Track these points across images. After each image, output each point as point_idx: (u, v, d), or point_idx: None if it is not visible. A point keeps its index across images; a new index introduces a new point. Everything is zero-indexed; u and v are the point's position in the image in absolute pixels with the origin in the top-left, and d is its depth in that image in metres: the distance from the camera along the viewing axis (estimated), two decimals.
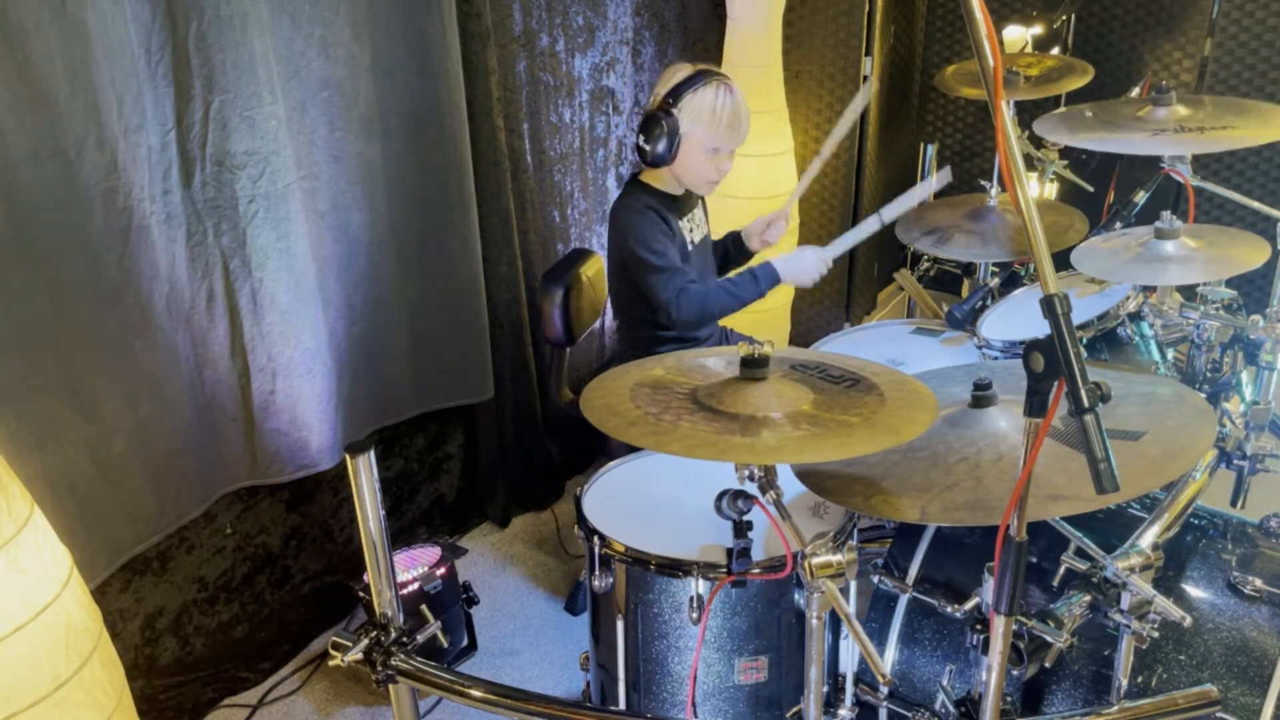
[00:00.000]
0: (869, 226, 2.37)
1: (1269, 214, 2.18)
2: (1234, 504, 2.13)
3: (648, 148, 2.22)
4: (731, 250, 2.57)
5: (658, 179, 2.33)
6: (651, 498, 1.85)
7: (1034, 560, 1.71)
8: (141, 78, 1.89)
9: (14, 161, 1.73)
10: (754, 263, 2.39)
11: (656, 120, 2.20)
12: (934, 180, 2.41)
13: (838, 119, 2.45)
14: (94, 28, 1.78)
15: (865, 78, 2.52)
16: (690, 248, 2.37)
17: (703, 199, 2.46)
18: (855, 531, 1.72)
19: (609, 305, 2.58)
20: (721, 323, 2.59)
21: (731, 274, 2.42)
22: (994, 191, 2.50)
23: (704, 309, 2.28)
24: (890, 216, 2.39)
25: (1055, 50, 3.48)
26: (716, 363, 1.55)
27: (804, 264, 2.34)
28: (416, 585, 2.32)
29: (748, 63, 3.07)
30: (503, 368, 2.84)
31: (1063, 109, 2.45)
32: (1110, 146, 2.22)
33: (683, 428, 1.34)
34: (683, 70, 2.24)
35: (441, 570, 2.37)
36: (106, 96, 1.83)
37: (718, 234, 2.57)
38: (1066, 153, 3.02)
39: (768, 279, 2.32)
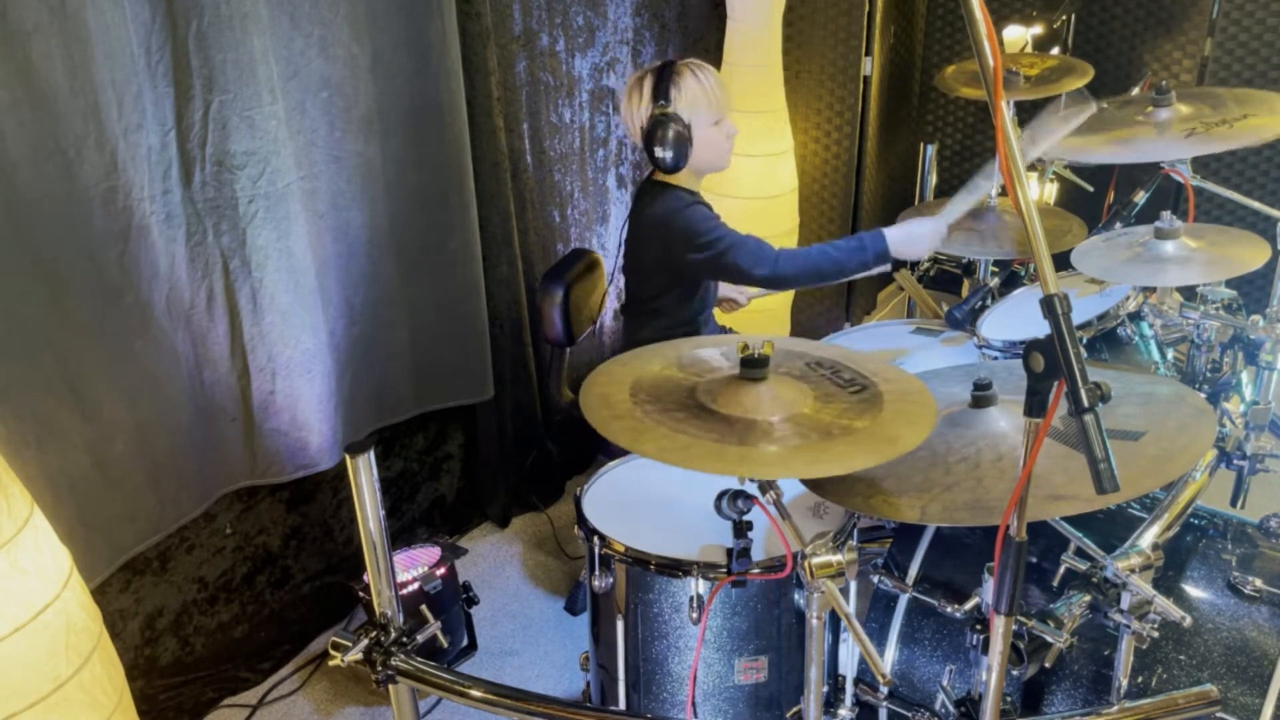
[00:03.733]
0: (978, 186, 2.18)
1: (1269, 214, 2.18)
2: (1234, 504, 2.13)
3: (667, 154, 2.16)
4: None
5: (677, 178, 2.28)
6: (651, 498, 1.84)
7: (1034, 560, 1.71)
8: (141, 78, 1.89)
9: (14, 161, 1.73)
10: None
11: (662, 125, 2.14)
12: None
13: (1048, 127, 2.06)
14: (94, 28, 1.78)
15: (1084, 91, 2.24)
16: None
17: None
18: (855, 531, 1.71)
19: (609, 305, 2.57)
20: (720, 320, 2.58)
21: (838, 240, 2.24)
22: (994, 191, 2.49)
23: (807, 268, 2.16)
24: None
25: (1055, 50, 3.47)
26: (721, 358, 1.54)
27: (918, 234, 2.15)
28: (416, 585, 2.32)
29: (748, 63, 3.07)
30: (503, 368, 2.84)
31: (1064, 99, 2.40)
32: (1114, 158, 2.19)
33: (681, 438, 1.32)
34: (645, 79, 2.19)
35: (441, 570, 2.37)
36: (106, 96, 1.83)
37: None
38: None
39: (875, 249, 2.13)
